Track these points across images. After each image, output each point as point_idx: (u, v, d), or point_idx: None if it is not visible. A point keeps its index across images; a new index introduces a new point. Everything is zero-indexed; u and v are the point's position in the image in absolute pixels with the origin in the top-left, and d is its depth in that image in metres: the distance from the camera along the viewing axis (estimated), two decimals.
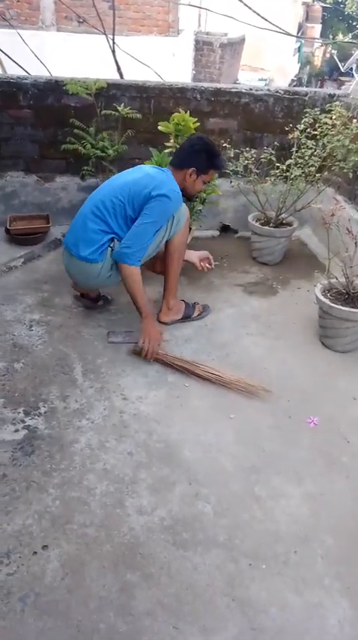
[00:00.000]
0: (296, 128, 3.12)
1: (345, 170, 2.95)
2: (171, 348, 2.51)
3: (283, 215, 3.34)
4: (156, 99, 3.28)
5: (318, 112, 3.08)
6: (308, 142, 3.04)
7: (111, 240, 2.39)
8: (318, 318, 2.58)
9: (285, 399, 2.22)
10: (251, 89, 3.32)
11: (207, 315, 2.75)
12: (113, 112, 3.05)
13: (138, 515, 1.65)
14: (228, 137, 3.41)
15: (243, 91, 3.31)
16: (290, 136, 3.17)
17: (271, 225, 3.31)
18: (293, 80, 19.24)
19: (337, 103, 3.09)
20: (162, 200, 2.25)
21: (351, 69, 14.68)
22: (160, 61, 6.46)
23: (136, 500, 1.70)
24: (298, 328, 2.72)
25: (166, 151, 2.83)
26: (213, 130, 3.41)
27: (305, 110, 3.18)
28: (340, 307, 2.37)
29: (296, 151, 3.06)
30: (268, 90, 3.34)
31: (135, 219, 2.32)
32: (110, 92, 3.22)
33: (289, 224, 3.36)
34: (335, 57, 17.85)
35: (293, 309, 2.90)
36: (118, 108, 3.01)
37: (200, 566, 1.52)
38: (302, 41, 19.99)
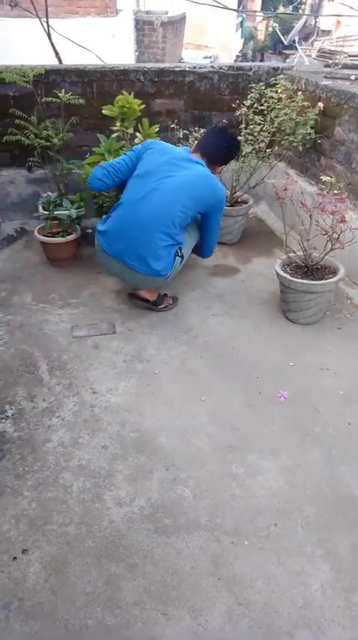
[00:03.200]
0: (243, 104, 3.10)
1: (295, 144, 2.96)
2: (136, 336, 2.48)
3: (238, 193, 3.33)
4: (99, 83, 3.18)
5: (263, 87, 3.07)
6: (256, 117, 3.03)
7: (178, 250, 2.46)
8: (280, 293, 2.61)
9: (254, 375, 2.23)
10: (195, 67, 3.27)
11: (174, 307, 2.72)
12: (54, 100, 2.94)
13: (117, 507, 1.64)
14: (175, 117, 3.36)
15: (187, 69, 3.26)
16: (237, 113, 3.14)
17: (226, 204, 3.30)
18: (238, 56, 19.14)
19: (281, 76, 3.08)
20: (222, 205, 2.52)
21: (294, 41, 14.72)
22: (100, 43, 6.28)
23: (114, 493, 1.69)
24: (262, 305, 2.74)
25: (114, 135, 2.76)
26: (159, 112, 3.35)
27: (250, 85, 3.16)
28: (300, 280, 2.40)
29: (245, 128, 3.05)
30: (212, 67, 3.30)
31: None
32: (50, 78, 3.11)
33: (244, 202, 3.36)
34: (278, 30, 17.85)
35: (256, 287, 2.92)
36: (59, 94, 2.90)
37: (183, 550, 1.53)
38: (244, 16, 19.87)
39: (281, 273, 2.46)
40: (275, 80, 3.04)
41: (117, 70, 3.16)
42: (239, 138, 3.04)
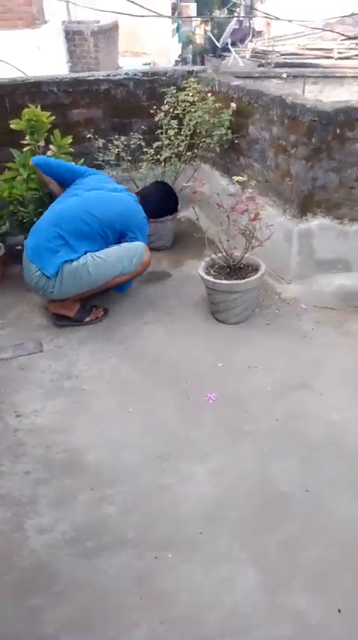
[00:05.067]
0: (160, 109, 3.10)
1: (212, 145, 2.98)
2: (64, 353, 2.43)
3: None
4: (11, 97, 3.12)
5: (175, 91, 3.07)
6: (173, 122, 3.03)
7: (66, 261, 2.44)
8: (207, 295, 2.60)
9: (184, 381, 2.22)
10: (109, 75, 3.24)
11: (104, 319, 2.66)
12: None
13: (38, 534, 1.58)
14: (94, 127, 3.32)
15: (102, 77, 3.23)
16: (156, 118, 3.14)
17: None
18: (177, 61, 19.28)
19: (192, 79, 3.09)
20: (140, 227, 2.62)
21: (227, 44, 14.95)
22: (28, 56, 6.18)
23: (36, 520, 1.63)
24: (193, 308, 2.73)
25: (25, 149, 2.70)
26: (77, 122, 3.30)
27: (165, 90, 3.16)
28: (222, 281, 2.40)
29: (164, 133, 3.04)
30: (126, 74, 3.28)
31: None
32: None
33: None
34: (211, 35, 18.11)
35: (188, 290, 2.90)
36: None
37: (108, 571, 1.48)
38: (179, 21, 20.07)
39: (205, 276, 2.46)
40: (186, 83, 3.05)
41: (28, 82, 3.10)
42: (157, 143, 3.04)
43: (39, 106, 2.69)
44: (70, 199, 2.47)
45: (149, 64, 16.43)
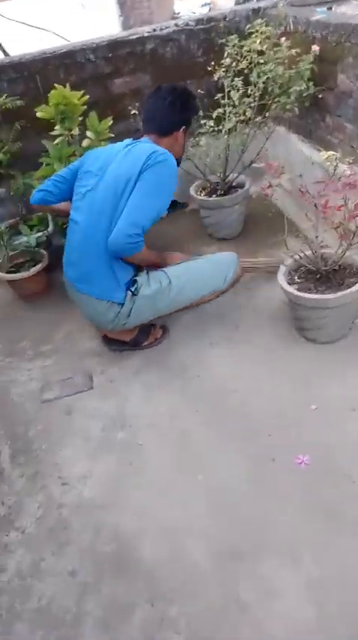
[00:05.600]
0: (220, 65, 2.46)
1: (288, 105, 2.31)
2: (117, 388, 2.02)
3: (231, 176, 2.73)
4: (42, 74, 2.63)
5: (237, 40, 2.40)
6: (236, 80, 2.38)
7: (131, 281, 1.98)
8: (290, 308, 2.04)
9: (265, 433, 1.72)
10: (154, 30, 2.63)
11: (164, 340, 2.21)
12: None
13: None
14: (141, 97, 2.76)
15: (146, 34, 2.63)
16: (215, 77, 2.51)
17: (218, 193, 2.71)
18: None
19: (259, 20, 2.39)
20: (164, 167, 1.82)
21: None
22: (70, 18, 5.63)
23: None
24: (271, 321, 2.19)
25: (57, 141, 2.22)
26: (122, 94, 2.76)
27: (226, 40, 2.49)
28: (309, 296, 1.82)
29: (223, 97, 2.42)
30: (175, 25, 2.65)
31: None
32: None
33: (240, 186, 2.75)
34: None
35: (264, 295, 2.35)
36: None
37: None
38: None
39: (287, 287, 1.89)
40: (251, 28, 2.36)
41: (59, 53, 2.59)
42: (218, 110, 2.43)
43: (67, 85, 2.18)
44: (82, 204, 1.89)
45: (209, 4, 15.01)
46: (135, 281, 1.95)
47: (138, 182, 1.79)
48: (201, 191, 2.80)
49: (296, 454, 1.61)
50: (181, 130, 1.97)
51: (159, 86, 1.99)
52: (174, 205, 3.23)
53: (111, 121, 2.25)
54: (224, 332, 2.20)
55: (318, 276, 1.94)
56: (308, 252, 1.96)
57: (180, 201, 3.19)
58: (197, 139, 2.52)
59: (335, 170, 1.74)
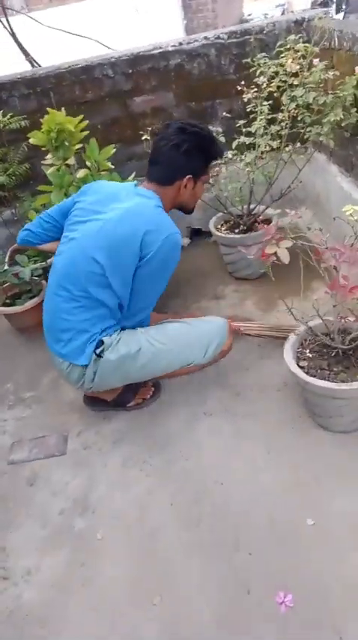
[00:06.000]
0: (249, 86, 2.14)
1: (322, 137, 1.95)
2: (90, 459, 1.76)
3: (257, 209, 2.40)
4: (57, 90, 2.42)
5: (265, 59, 2.06)
6: (264, 104, 2.05)
7: (98, 342, 1.66)
8: (301, 388, 1.70)
9: (246, 549, 1.40)
10: (180, 44, 2.35)
11: (155, 399, 1.94)
12: None
13: None
14: (165, 117, 2.49)
15: (170, 49, 2.35)
16: (245, 99, 2.19)
17: (241, 228, 2.39)
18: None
19: (293, 37, 2.01)
20: (166, 259, 1.58)
21: None
22: (120, 23, 5.44)
23: None
24: (280, 395, 1.85)
25: (49, 172, 1.99)
26: (143, 113, 2.50)
27: (258, 57, 2.16)
28: (318, 383, 1.47)
29: (245, 124, 2.09)
30: (205, 38, 2.34)
31: None
32: None
33: (267, 220, 2.41)
34: None
35: (277, 356, 1.99)
36: None
37: None
38: None
39: (293, 368, 1.54)
40: (285, 44, 2.00)
41: (75, 68, 2.37)
42: (238, 140, 2.11)
43: (61, 109, 1.94)
44: (68, 246, 1.63)
45: (283, 5, 14.46)
46: (102, 342, 1.64)
47: (142, 267, 1.55)
48: (221, 225, 2.49)
49: (277, 589, 1.27)
50: (186, 178, 1.63)
51: (168, 124, 1.66)
52: (198, 233, 2.95)
53: (115, 149, 1.98)
54: (222, 399, 1.88)
55: (334, 354, 1.58)
56: (329, 317, 1.60)
57: (205, 229, 2.90)
58: (217, 168, 2.20)
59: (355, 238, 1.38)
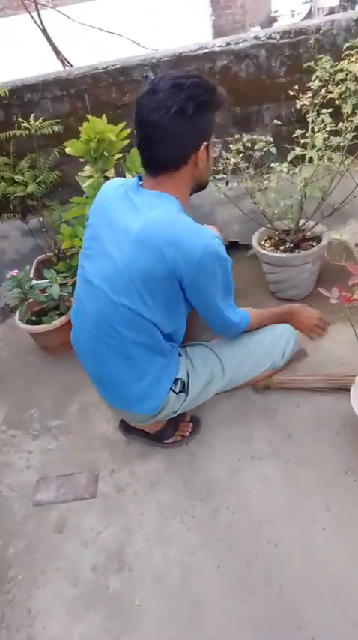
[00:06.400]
0: (304, 91, 1.94)
1: None
2: (123, 505, 1.59)
3: (308, 224, 2.20)
4: (92, 92, 2.25)
5: (327, 61, 1.86)
6: (324, 113, 1.85)
7: (176, 382, 1.54)
8: None
9: (306, 623, 1.21)
10: (228, 43, 2.15)
11: (193, 437, 1.76)
12: (21, 132, 2.08)
13: None
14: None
15: (217, 49, 2.16)
16: (298, 105, 1.99)
17: (288, 245, 2.19)
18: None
19: None
20: (213, 265, 1.26)
21: None
22: (138, 21, 5.24)
23: None
24: (339, 435, 1.65)
25: (86, 184, 1.81)
26: None
27: (317, 58, 1.96)
28: None
29: (296, 137, 1.89)
30: (256, 38, 2.14)
31: None
32: (25, 98, 2.25)
33: (316, 238, 2.21)
34: None
35: (332, 401, 1.80)
36: (26, 122, 2.03)
37: None
38: None
39: None
40: (354, 45, 1.80)
41: (113, 69, 2.19)
42: (293, 154, 1.91)
43: (104, 117, 1.76)
44: (88, 290, 1.37)
45: (311, 1, 14.10)
46: (177, 380, 1.50)
47: (188, 291, 1.29)
48: (265, 240, 2.30)
49: None
50: (201, 148, 1.23)
51: (152, 87, 1.17)
52: (235, 245, 2.75)
53: None
54: (272, 441, 1.69)
55: None
56: None
57: (243, 242, 2.71)
58: (266, 181, 2.01)
59: None
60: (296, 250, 2.18)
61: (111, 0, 5.68)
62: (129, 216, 1.26)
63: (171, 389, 1.47)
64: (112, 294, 1.29)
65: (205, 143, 1.24)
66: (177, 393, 1.50)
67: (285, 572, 1.33)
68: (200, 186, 1.36)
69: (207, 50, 2.16)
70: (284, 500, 1.50)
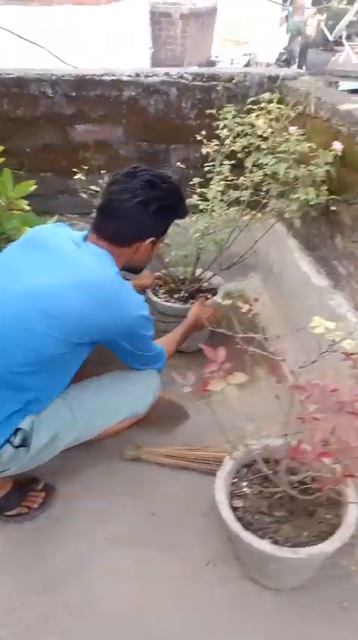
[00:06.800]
0: (209, 139, 1.83)
1: (287, 214, 1.67)
2: None
3: (205, 274, 2.09)
4: None
5: (232, 111, 1.78)
6: (225, 164, 1.75)
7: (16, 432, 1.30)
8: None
9: None
10: (138, 74, 2.01)
11: (42, 512, 1.49)
12: None
13: None
14: (111, 154, 2.13)
15: (124, 78, 2.01)
16: (204, 151, 1.88)
17: (182, 294, 2.05)
18: (281, 53, 17.48)
19: (267, 94, 1.74)
20: (135, 329, 1.35)
21: (341, 37, 13.11)
22: (90, 37, 5.12)
23: None
24: (207, 519, 1.48)
25: None
26: (85, 144, 2.13)
27: (225, 106, 1.87)
28: (254, 544, 1.11)
29: (201, 183, 1.77)
30: (167, 74, 2.03)
31: None
32: None
33: (213, 290, 2.10)
34: (323, 25, 16.14)
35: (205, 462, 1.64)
36: None
37: None
38: (291, 9, 18.25)
39: (228, 517, 1.18)
40: (259, 100, 1.73)
41: (7, 78, 1.96)
42: (193, 201, 1.79)
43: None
44: None
45: (250, 54, 14.90)
46: (18, 430, 1.26)
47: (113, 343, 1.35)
48: (160, 286, 2.14)
49: None
50: (148, 241, 1.36)
51: (133, 171, 1.32)
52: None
53: (34, 187, 1.57)
54: (133, 519, 1.48)
55: (279, 499, 1.24)
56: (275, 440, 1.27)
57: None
58: None
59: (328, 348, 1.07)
60: (191, 301, 2.04)
61: (64, 11, 5.46)
62: (69, 254, 1.28)
63: (8, 440, 1.22)
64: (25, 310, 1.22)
65: (153, 238, 1.36)
66: (16, 447, 1.25)
67: None
68: (133, 269, 1.45)
69: (114, 77, 2.00)
70: (135, 599, 1.29)
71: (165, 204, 1.32)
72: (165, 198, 1.32)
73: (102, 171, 2.10)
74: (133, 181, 1.29)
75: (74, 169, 1.86)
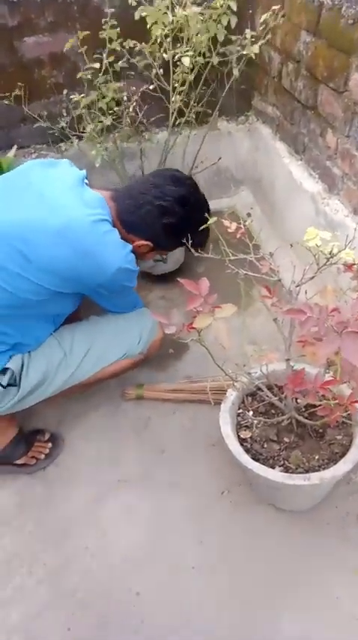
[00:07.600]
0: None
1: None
2: None
3: None
4: None
5: None
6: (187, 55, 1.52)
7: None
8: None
9: None
10: None
11: (53, 459, 1.48)
12: None
13: None
14: (70, 67, 1.89)
15: None
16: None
17: None
18: None
19: None
20: (113, 285, 1.25)
21: None
22: None
23: None
24: (217, 450, 1.45)
25: None
26: (39, 61, 1.87)
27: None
28: (263, 474, 1.07)
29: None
30: None
31: None
32: None
33: None
34: None
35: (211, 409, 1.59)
36: None
37: None
38: None
39: (230, 442, 1.14)
40: None
41: None
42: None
43: None
44: None
45: None
46: (6, 370, 1.22)
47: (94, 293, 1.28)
48: None
49: None
50: (143, 243, 1.28)
51: (182, 178, 1.30)
52: None
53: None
54: (143, 458, 1.46)
55: (287, 424, 1.19)
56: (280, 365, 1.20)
57: None
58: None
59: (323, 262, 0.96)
60: None
61: None
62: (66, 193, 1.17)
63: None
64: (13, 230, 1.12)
65: (151, 245, 1.29)
66: (4, 387, 1.22)
67: (148, 628, 1.13)
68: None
69: None
70: (152, 536, 1.30)
71: (181, 226, 1.25)
72: (185, 221, 1.24)
73: (64, 91, 1.88)
74: (171, 187, 1.25)
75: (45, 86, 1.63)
